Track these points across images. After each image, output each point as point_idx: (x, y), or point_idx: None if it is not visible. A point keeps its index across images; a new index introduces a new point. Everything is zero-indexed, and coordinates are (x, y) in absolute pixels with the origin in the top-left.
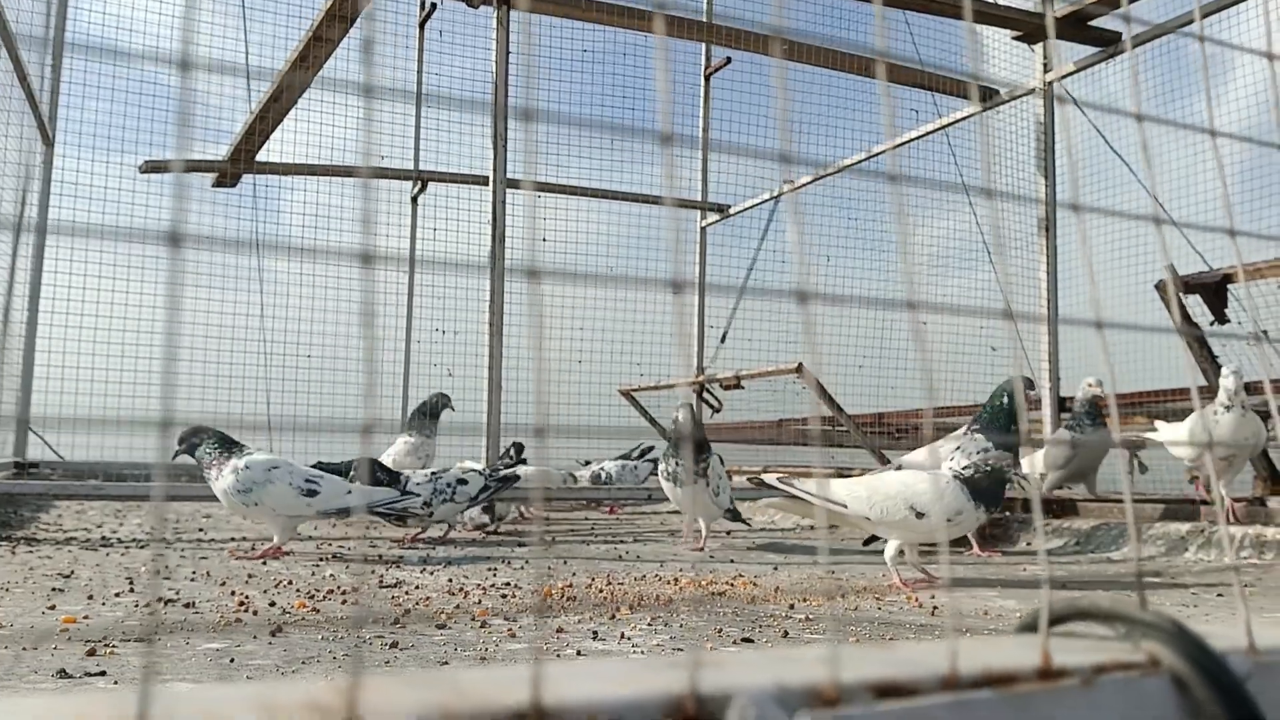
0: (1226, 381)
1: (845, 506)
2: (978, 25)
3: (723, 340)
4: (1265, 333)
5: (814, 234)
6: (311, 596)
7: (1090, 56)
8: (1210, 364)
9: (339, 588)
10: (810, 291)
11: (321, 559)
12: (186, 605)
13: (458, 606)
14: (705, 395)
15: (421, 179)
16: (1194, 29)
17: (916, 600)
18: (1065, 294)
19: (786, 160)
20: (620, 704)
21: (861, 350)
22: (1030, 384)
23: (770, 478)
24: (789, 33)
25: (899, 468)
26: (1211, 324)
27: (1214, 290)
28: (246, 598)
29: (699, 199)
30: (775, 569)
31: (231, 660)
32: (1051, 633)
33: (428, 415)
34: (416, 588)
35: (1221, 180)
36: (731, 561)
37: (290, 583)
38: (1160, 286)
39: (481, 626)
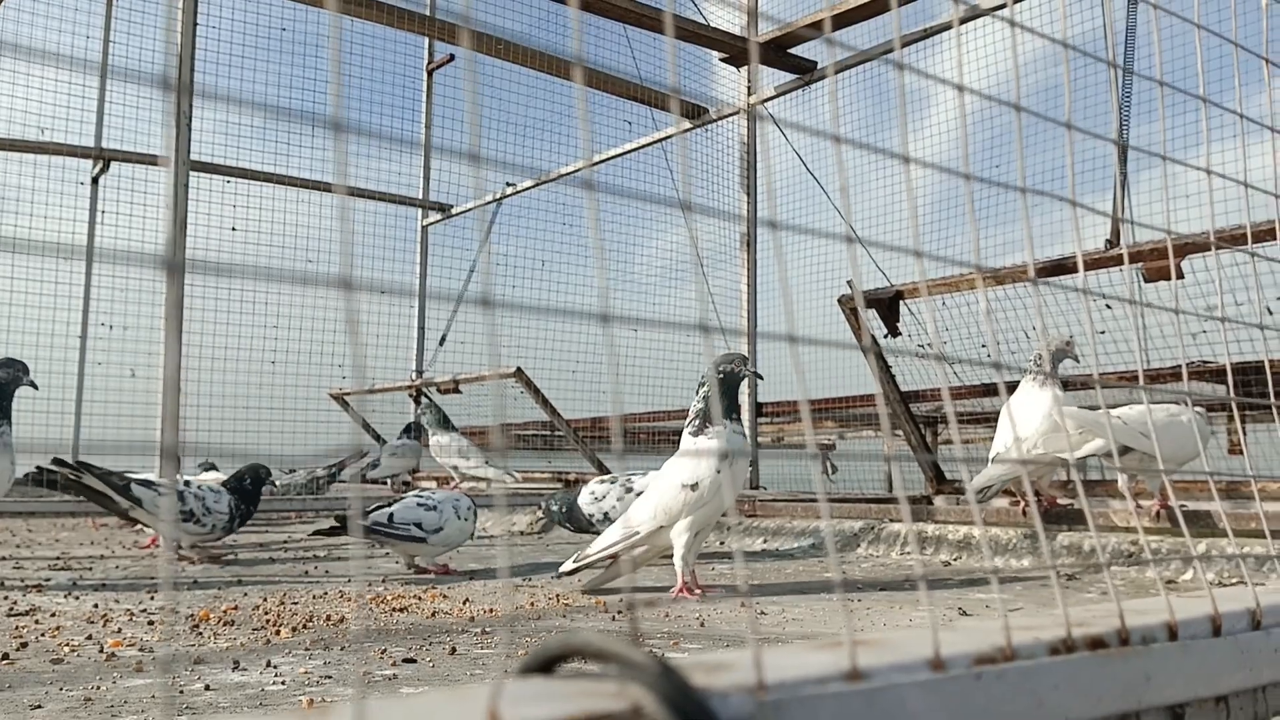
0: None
1: (639, 533)
2: (690, 44)
3: (441, 343)
4: (927, 345)
5: (534, 240)
6: None
7: (788, 83)
8: (885, 373)
9: None
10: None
11: None
12: None
13: (89, 637)
14: (423, 400)
15: (104, 158)
16: (894, 57)
17: (602, 604)
18: (764, 306)
19: (507, 163)
20: None
21: (576, 356)
22: (745, 360)
23: (567, 565)
24: (511, 35)
25: None
26: (885, 336)
27: (888, 305)
28: None
29: (419, 196)
30: (470, 579)
31: None
32: (555, 673)
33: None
34: (52, 615)
35: (912, 202)
36: (428, 572)
37: None
38: (843, 301)
39: (108, 660)
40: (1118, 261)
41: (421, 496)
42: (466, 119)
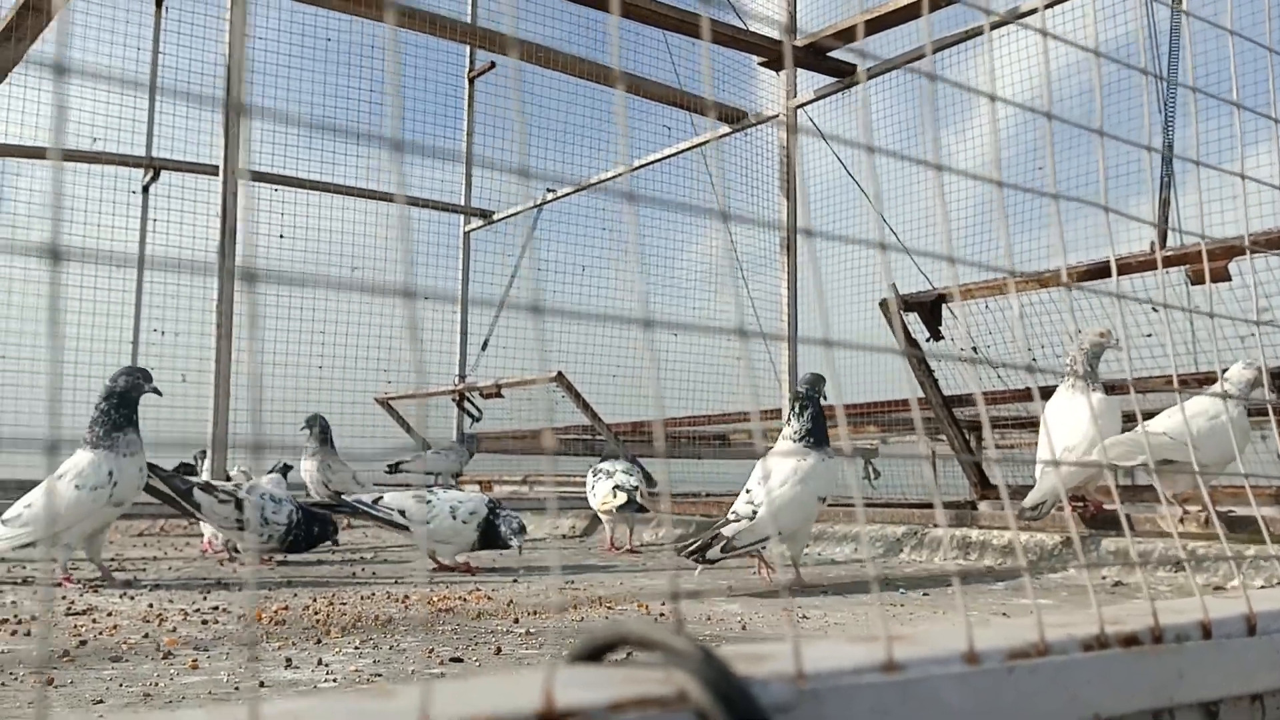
0: (1246, 372)
1: (780, 533)
2: (727, 49)
3: (484, 348)
4: (975, 349)
5: (575, 245)
6: None
7: (828, 86)
8: (928, 377)
9: (16, 617)
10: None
11: (9, 583)
12: None
13: (146, 635)
14: (466, 404)
15: (154, 167)
16: (923, 65)
17: (645, 607)
18: (804, 311)
19: (542, 172)
20: None
21: (618, 360)
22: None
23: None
24: (552, 42)
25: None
26: (928, 340)
27: (929, 309)
28: None
29: (461, 203)
30: (515, 581)
31: None
32: (606, 661)
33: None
34: (109, 615)
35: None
36: (472, 575)
37: None
38: (884, 305)
39: (165, 657)
40: (1158, 265)
41: (429, 492)
42: (462, 126)
